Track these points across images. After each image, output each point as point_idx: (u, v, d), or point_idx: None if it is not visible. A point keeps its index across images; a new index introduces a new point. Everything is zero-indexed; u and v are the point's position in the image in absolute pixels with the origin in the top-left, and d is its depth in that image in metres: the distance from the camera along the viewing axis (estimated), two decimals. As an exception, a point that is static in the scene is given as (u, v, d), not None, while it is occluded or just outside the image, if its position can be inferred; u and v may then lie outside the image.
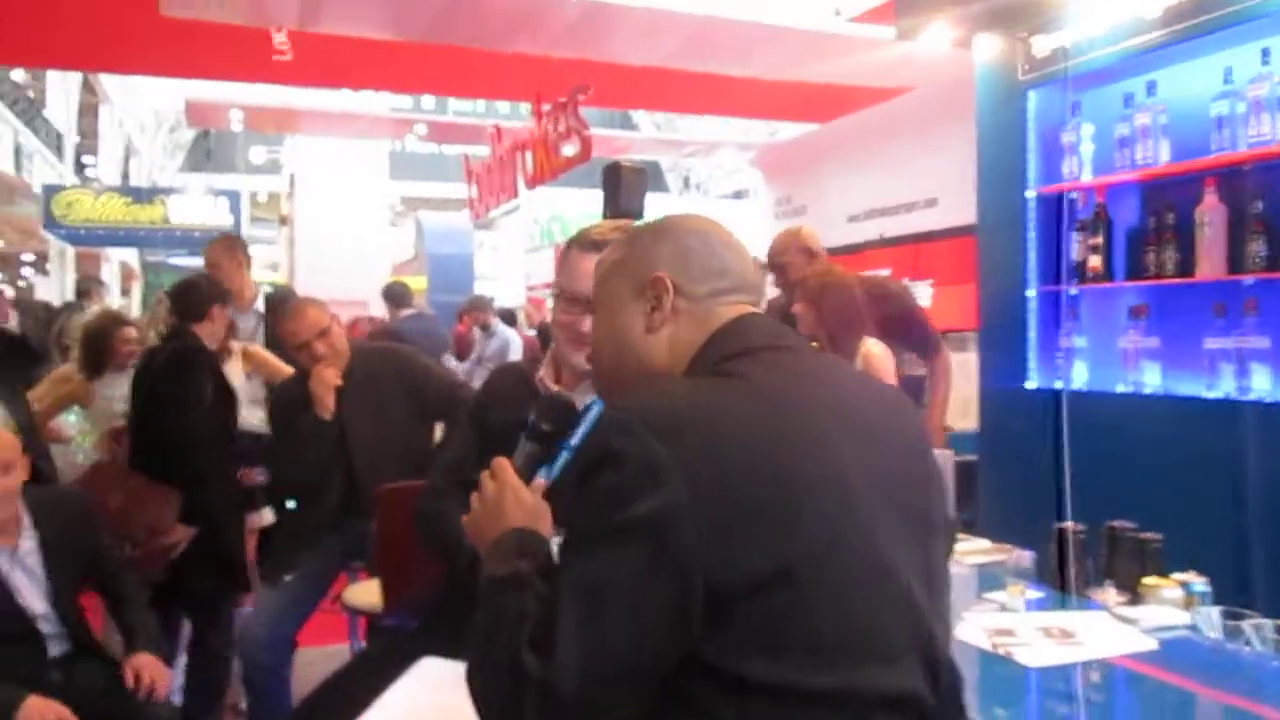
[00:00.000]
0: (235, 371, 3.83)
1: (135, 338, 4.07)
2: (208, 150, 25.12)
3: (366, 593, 3.09)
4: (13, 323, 4.13)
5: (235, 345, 4.03)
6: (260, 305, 4.21)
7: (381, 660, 1.87)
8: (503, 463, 1.29)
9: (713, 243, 1.22)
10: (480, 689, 1.03)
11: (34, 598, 2.58)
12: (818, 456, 1.02)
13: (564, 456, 1.32)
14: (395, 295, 8.12)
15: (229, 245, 4.26)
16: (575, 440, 1.31)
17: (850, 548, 1.00)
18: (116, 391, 3.96)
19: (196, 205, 15.70)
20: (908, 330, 3.72)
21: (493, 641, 1.02)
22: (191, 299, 3.59)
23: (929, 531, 1.11)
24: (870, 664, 0.99)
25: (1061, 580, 2.21)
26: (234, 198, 16.00)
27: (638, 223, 1.33)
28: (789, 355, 1.14)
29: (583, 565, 0.98)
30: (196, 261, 15.57)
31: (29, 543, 2.61)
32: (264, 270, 21.86)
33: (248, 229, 17.16)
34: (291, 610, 3.09)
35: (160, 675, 2.57)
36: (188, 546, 3.24)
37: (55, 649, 2.60)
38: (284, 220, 18.93)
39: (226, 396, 3.49)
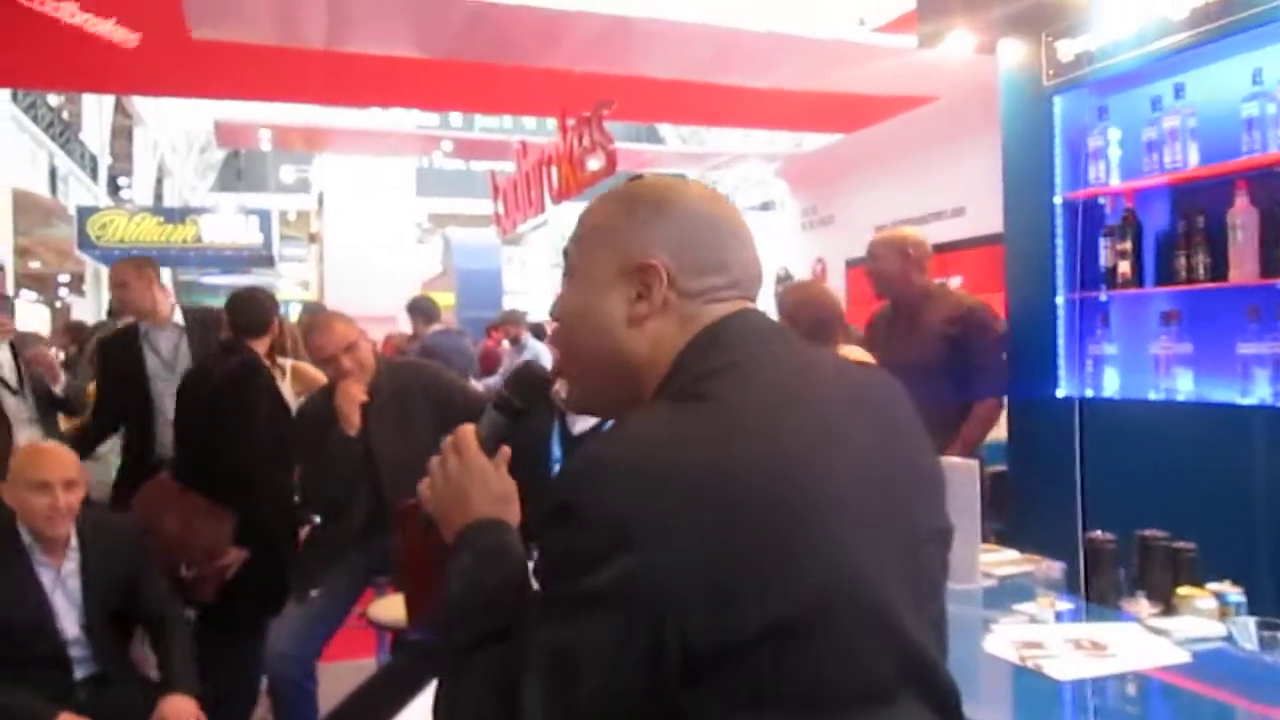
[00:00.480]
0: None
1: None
2: (238, 170, 25.49)
3: (392, 607, 3.09)
4: (59, 386, 4.14)
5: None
6: (179, 319, 3.97)
7: (405, 675, 1.87)
8: (467, 432, 1.20)
9: (720, 231, 1.07)
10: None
11: (69, 621, 2.59)
12: (806, 488, 0.92)
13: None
14: (423, 310, 8.13)
15: (138, 264, 4.06)
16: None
17: (844, 591, 0.91)
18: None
19: (228, 224, 15.98)
20: (977, 364, 3.64)
21: (459, 682, 0.98)
22: (254, 313, 3.51)
23: (917, 541, 1.02)
24: (867, 708, 0.92)
25: (1089, 591, 2.18)
26: (264, 216, 16.26)
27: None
28: (770, 363, 1.02)
29: (546, 630, 0.89)
30: (229, 280, 15.85)
31: (72, 564, 2.63)
32: (294, 288, 22.17)
33: (278, 247, 17.35)
34: (318, 625, 3.11)
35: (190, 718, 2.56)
36: (239, 568, 3.23)
37: (82, 671, 2.60)
38: (313, 238, 19.18)
39: (283, 413, 3.45)
